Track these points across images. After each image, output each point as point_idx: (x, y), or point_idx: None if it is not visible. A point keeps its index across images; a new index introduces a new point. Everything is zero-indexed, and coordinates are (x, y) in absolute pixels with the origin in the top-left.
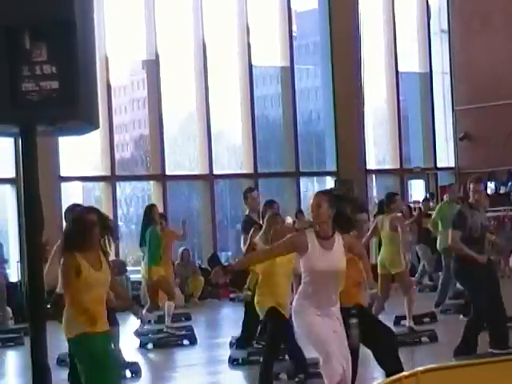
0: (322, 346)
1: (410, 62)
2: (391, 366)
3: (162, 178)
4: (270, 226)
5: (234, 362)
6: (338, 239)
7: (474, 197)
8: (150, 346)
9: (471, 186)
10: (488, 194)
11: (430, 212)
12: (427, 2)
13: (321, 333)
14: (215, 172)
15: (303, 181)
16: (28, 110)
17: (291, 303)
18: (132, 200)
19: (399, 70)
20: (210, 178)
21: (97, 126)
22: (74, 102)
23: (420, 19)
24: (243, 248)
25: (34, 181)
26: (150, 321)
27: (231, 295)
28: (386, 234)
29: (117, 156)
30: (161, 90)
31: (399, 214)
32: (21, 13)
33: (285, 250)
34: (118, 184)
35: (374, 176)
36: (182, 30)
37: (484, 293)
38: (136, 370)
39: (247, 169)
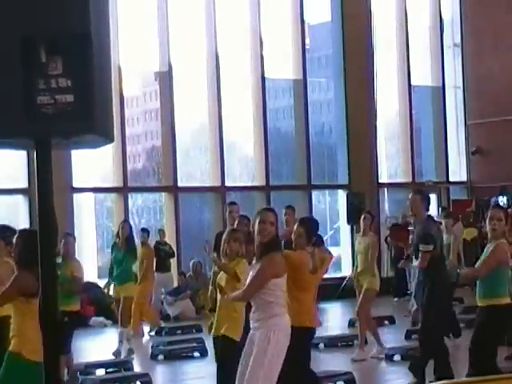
0: None
1: (423, 76)
2: None
3: (173, 189)
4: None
5: None
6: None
7: None
8: (160, 357)
9: None
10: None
11: None
12: (440, 16)
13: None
14: (227, 184)
15: (315, 194)
16: (43, 124)
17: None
18: (144, 211)
19: (412, 83)
20: (221, 190)
21: (111, 140)
22: (89, 116)
23: (433, 33)
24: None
25: (49, 194)
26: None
27: None
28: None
29: (129, 167)
30: (173, 102)
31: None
32: (36, 26)
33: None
34: (129, 195)
35: (385, 189)
36: (195, 42)
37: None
38: (147, 382)
39: (259, 181)
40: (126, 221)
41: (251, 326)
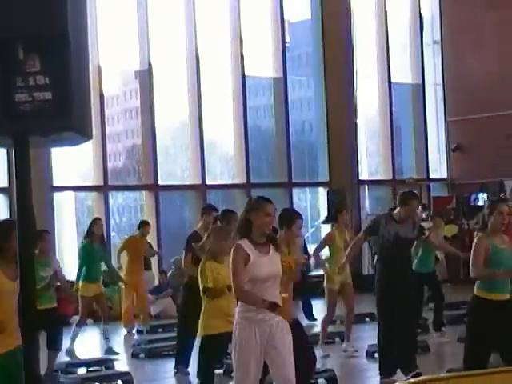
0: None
1: (403, 73)
2: None
3: (154, 187)
4: (211, 239)
5: (230, 373)
6: (271, 245)
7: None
8: (141, 355)
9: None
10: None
11: None
12: (420, 13)
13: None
14: (208, 182)
15: (296, 191)
16: (21, 121)
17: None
18: (124, 210)
19: (392, 80)
20: (202, 188)
21: (90, 137)
22: (67, 113)
23: (413, 30)
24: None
25: (27, 192)
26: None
27: None
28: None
29: (109, 166)
30: (153, 100)
31: None
32: (14, 24)
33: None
34: (110, 194)
35: (366, 187)
36: (174, 40)
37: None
38: (128, 380)
39: (240, 179)
40: (99, 218)
41: (252, 316)
